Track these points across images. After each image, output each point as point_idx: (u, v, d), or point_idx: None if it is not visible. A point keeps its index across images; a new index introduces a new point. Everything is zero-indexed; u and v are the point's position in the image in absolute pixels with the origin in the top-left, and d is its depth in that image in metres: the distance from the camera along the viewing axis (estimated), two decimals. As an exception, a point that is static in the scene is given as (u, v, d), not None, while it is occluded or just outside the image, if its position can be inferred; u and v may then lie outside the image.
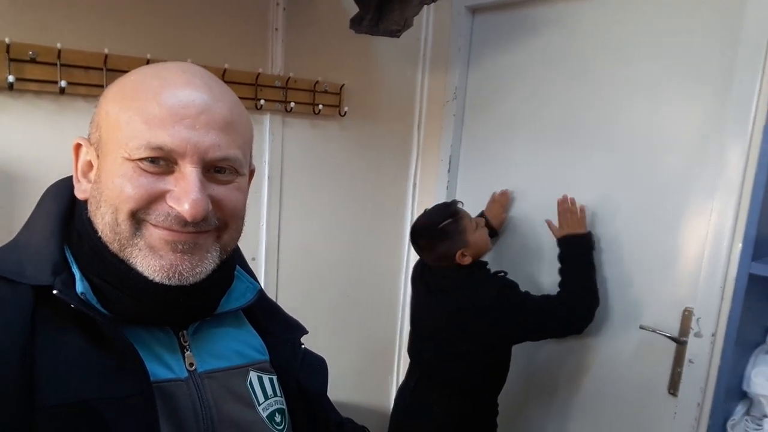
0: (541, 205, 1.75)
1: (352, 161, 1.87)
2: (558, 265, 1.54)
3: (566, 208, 1.57)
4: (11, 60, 1.14)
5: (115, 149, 0.56)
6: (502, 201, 1.80)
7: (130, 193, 0.55)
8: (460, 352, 1.48)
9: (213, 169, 0.58)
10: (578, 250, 1.53)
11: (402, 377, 1.73)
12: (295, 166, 1.71)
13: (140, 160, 0.54)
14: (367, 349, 2.07)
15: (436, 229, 1.49)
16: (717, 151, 1.36)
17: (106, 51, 1.24)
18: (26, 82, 1.17)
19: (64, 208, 0.61)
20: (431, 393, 1.55)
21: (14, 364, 0.50)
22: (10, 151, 1.19)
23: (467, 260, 1.47)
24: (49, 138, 1.23)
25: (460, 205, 1.53)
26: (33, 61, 1.16)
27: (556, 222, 1.60)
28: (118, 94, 0.58)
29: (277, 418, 0.66)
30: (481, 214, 1.77)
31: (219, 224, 0.59)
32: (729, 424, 1.20)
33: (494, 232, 1.76)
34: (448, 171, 1.98)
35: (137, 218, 0.56)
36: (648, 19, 1.49)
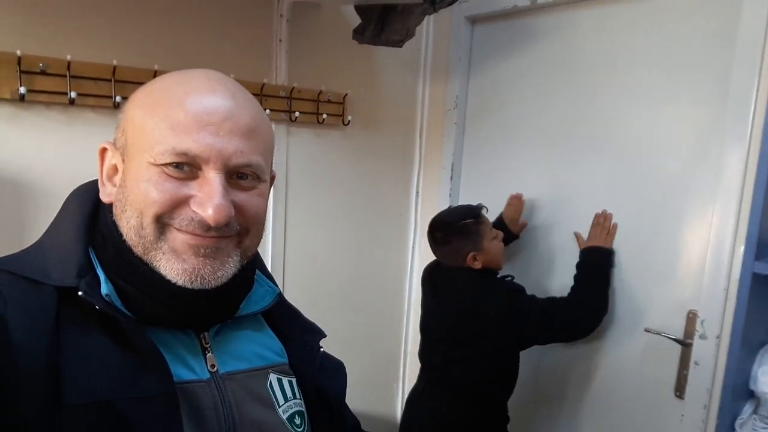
0: (542, 211, 1.77)
1: (355, 169, 1.88)
2: (574, 271, 1.55)
3: (599, 222, 1.59)
4: (22, 72, 1.15)
5: (140, 154, 0.57)
6: (516, 204, 1.76)
7: (155, 197, 0.56)
8: (468, 356, 1.48)
9: (236, 175, 0.59)
10: (598, 261, 1.54)
11: (408, 385, 1.73)
12: (300, 174, 1.72)
13: (165, 165, 0.55)
14: (372, 357, 2.07)
15: (455, 225, 1.51)
16: (717, 153, 1.38)
17: (114, 62, 1.25)
18: (37, 94, 1.18)
19: (89, 211, 0.62)
20: (441, 397, 1.55)
21: (39, 364, 0.51)
22: (21, 160, 1.20)
23: (477, 264, 1.49)
24: (58, 148, 1.24)
25: (483, 211, 1.54)
26: (43, 72, 1.18)
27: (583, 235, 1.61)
28: (144, 100, 0.59)
29: (297, 420, 0.67)
30: (500, 218, 1.76)
31: (240, 229, 0.60)
32: (737, 423, 1.20)
33: (514, 236, 1.75)
34: (451, 178, 2.00)
35: (162, 222, 0.57)
36: (645, 25, 1.52)
